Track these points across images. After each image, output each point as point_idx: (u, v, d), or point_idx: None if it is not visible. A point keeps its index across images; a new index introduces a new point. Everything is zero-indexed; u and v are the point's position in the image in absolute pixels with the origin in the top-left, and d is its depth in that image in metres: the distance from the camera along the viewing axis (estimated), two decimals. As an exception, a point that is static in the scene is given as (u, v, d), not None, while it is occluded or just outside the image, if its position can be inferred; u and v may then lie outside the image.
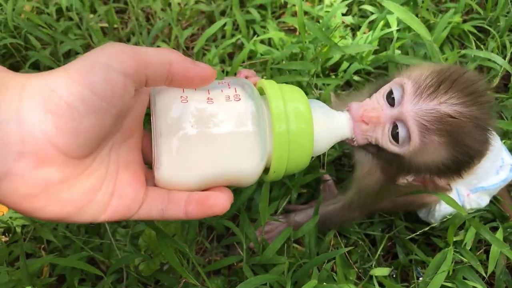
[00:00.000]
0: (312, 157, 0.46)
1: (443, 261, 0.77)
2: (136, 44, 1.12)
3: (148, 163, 0.45)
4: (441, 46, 1.07)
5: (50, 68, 1.04)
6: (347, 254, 0.82)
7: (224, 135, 0.41)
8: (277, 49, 1.02)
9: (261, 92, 0.47)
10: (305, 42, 0.85)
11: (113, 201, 0.38)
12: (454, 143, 0.51)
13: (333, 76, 1.00)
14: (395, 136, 0.52)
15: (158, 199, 0.41)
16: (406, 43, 1.01)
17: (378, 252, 0.84)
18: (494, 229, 0.80)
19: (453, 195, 0.88)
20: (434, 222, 0.90)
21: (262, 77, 0.94)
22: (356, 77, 1.01)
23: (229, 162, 0.42)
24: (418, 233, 0.81)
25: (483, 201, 0.89)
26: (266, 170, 0.46)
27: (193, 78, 0.39)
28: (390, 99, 0.53)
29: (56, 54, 1.04)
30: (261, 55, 1.03)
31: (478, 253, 0.87)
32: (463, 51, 0.93)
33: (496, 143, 0.86)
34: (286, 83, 0.75)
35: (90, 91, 0.33)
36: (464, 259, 0.80)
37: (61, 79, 0.33)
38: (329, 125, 0.49)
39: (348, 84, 1.04)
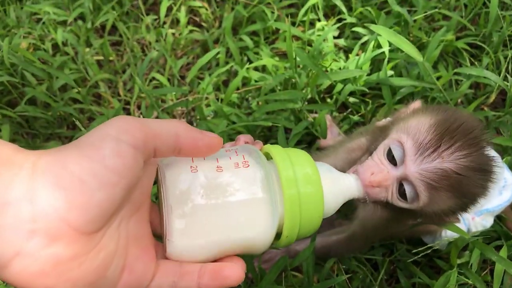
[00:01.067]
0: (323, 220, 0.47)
1: (447, 284, 0.75)
2: (131, 75, 1.13)
3: (156, 236, 0.45)
4: (435, 64, 1.07)
5: (46, 104, 1.05)
6: (347, 281, 0.80)
7: (234, 203, 0.41)
8: (271, 74, 1.02)
9: (268, 157, 0.47)
10: (295, 68, 0.85)
11: (123, 277, 0.38)
12: (461, 194, 0.52)
13: (328, 99, 0.99)
14: (402, 194, 0.53)
15: (169, 272, 0.40)
16: (399, 63, 1.01)
17: (380, 277, 0.83)
18: (498, 248, 0.78)
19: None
20: (440, 248, 0.88)
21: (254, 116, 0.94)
22: (351, 99, 1.01)
23: (241, 231, 0.42)
24: (420, 255, 0.79)
25: (488, 222, 0.88)
26: (278, 235, 0.45)
27: (201, 148, 0.39)
28: (391, 158, 0.54)
29: (52, 89, 1.04)
30: (256, 81, 1.04)
31: (483, 274, 0.85)
32: (457, 70, 0.92)
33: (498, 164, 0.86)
34: (280, 110, 0.76)
35: (102, 165, 0.33)
36: (469, 281, 0.78)
37: (72, 155, 0.33)
38: (338, 188, 0.49)
39: (345, 106, 1.04)
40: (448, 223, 0.62)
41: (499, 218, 0.91)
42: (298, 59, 0.84)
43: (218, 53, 1.07)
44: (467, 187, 0.52)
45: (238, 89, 1.03)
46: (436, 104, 0.93)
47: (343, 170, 0.53)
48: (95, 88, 1.12)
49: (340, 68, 1.01)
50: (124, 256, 0.38)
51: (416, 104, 0.67)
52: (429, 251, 0.78)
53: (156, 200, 0.47)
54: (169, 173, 0.41)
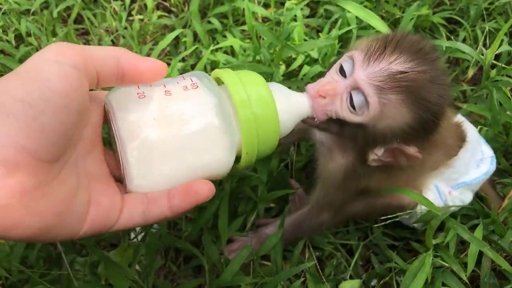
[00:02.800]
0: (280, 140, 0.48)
1: (422, 267, 0.72)
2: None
3: (115, 177, 0.44)
4: (411, 40, 1.03)
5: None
6: (318, 267, 0.77)
7: (189, 130, 0.41)
8: (238, 57, 0.98)
9: (219, 82, 0.47)
10: (258, 44, 0.81)
11: (91, 211, 0.38)
12: (412, 99, 0.51)
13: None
14: (353, 105, 0.53)
15: (137, 202, 0.40)
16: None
17: (353, 262, 0.79)
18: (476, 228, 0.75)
19: (433, 193, 0.83)
20: (417, 226, 0.85)
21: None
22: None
23: (200, 157, 0.42)
24: (397, 239, 0.76)
25: (467, 197, 0.84)
26: (238, 159, 0.46)
27: (144, 71, 0.39)
28: (343, 73, 0.54)
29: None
30: (224, 64, 1.00)
31: (462, 256, 0.81)
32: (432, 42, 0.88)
33: (474, 135, 0.82)
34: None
35: (48, 88, 0.32)
36: (445, 264, 0.75)
37: (14, 82, 0.32)
38: (290, 105, 0.49)
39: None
40: (414, 161, 0.57)
41: (479, 198, 0.87)
42: (264, 38, 0.80)
43: (185, 36, 1.03)
44: (417, 91, 0.51)
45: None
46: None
47: None
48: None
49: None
50: (87, 190, 0.38)
51: None
52: (397, 219, 0.74)
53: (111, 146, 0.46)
54: (115, 103, 0.40)
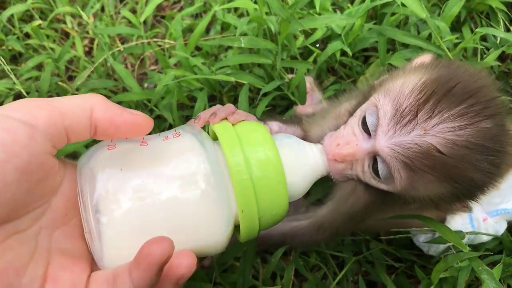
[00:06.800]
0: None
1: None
2: (102, 7, 0.99)
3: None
4: (462, 26, 0.86)
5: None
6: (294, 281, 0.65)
7: (169, 201, 0.34)
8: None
9: (215, 138, 0.40)
10: (264, 13, 0.67)
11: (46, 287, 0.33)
12: (449, 178, 0.40)
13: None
14: (377, 173, 0.43)
15: (103, 281, 0.34)
16: (410, 21, 0.81)
17: (339, 277, 0.67)
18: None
19: (462, 218, 0.70)
20: (432, 252, 0.71)
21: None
22: (343, 59, 0.82)
23: (186, 233, 0.35)
24: (400, 260, 0.63)
25: (501, 227, 0.71)
26: (238, 227, 0.38)
27: (120, 126, 0.35)
28: (366, 128, 0.43)
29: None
30: (235, 28, 0.86)
31: (470, 293, 0.68)
32: (479, 30, 0.71)
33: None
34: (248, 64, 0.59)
35: None
36: (449, 303, 0.61)
37: None
38: (301, 164, 0.40)
39: (334, 71, 0.86)
40: (460, 211, 0.48)
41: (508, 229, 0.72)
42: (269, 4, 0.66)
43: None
44: (459, 170, 0.39)
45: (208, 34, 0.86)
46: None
47: None
48: (64, 23, 0.99)
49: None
50: (43, 265, 0.33)
51: (425, 58, 0.50)
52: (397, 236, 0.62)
53: None
54: (81, 170, 0.35)
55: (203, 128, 0.41)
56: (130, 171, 0.34)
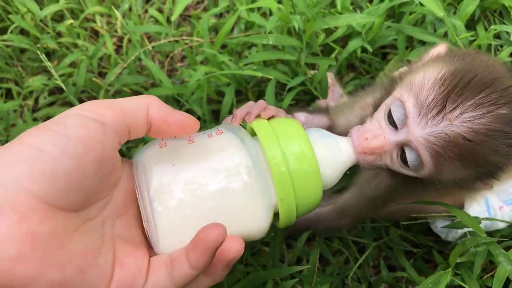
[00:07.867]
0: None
1: (437, 285, 0.63)
2: (130, 8, 1.03)
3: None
4: (476, 24, 0.89)
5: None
6: (318, 265, 0.70)
7: (216, 192, 0.38)
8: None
9: (253, 133, 0.44)
10: (287, 12, 0.71)
11: (116, 272, 0.36)
12: (474, 164, 0.44)
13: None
14: (405, 161, 0.46)
15: (162, 264, 0.38)
16: (427, 19, 0.85)
17: (359, 261, 0.71)
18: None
19: (480, 206, 0.73)
20: (444, 235, 0.75)
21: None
22: (363, 56, 0.86)
23: (232, 221, 0.38)
24: (417, 245, 0.67)
25: None
26: (277, 214, 0.42)
27: (171, 124, 0.38)
28: (391, 121, 0.46)
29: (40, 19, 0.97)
30: (259, 27, 0.91)
31: (486, 276, 0.71)
32: (493, 27, 0.75)
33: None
34: (272, 61, 0.64)
35: (62, 135, 0.32)
36: (465, 286, 0.65)
37: (31, 131, 0.33)
38: (333, 156, 0.44)
39: (354, 67, 0.90)
40: (481, 189, 0.51)
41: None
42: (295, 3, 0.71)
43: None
44: (482, 155, 0.43)
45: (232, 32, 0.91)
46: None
47: None
48: (93, 22, 1.04)
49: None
50: (112, 250, 0.37)
51: (441, 48, 0.53)
52: (417, 221, 0.66)
53: None
54: (139, 167, 0.39)
55: (240, 124, 0.46)
56: (180, 165, 0.38)
